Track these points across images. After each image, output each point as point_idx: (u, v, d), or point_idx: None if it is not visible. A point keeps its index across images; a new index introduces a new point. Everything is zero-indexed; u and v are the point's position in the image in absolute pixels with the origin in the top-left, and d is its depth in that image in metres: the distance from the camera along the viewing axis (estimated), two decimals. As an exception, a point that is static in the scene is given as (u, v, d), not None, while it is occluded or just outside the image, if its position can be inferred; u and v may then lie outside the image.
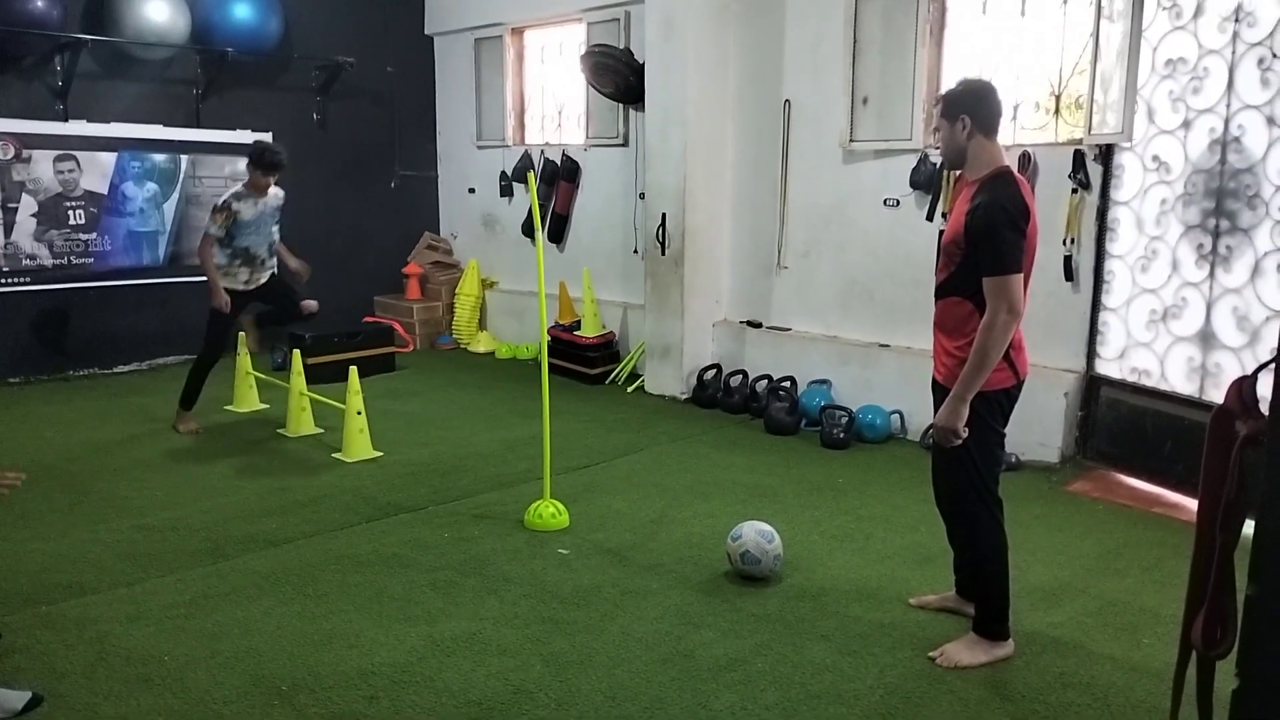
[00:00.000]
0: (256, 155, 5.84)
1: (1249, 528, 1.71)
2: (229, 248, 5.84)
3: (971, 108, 3.10)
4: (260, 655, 3.31)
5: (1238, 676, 1.65)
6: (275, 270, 6.13)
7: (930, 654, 3.32)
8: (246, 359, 6.66)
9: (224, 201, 5.82)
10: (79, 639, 3.40)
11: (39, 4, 6.88)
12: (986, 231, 2.98)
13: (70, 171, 7.45)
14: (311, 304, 6.13)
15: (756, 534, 3.91)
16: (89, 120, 7.50)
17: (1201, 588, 1.97)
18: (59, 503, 4.79)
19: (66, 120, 7.40)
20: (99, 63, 7.53)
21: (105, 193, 7.62)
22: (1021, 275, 3.03)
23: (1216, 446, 1.93)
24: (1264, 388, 1.90)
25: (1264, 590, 1.61)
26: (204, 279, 8.03)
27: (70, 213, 7.48)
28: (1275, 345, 4.38)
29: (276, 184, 6.00)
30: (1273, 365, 1.80)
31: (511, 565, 4.08)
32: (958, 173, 3.32)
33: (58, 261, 7.46)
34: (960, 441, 3.11)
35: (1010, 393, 3.22)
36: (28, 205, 7.27)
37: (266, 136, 8.38)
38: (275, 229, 6.05)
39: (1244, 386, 1.90)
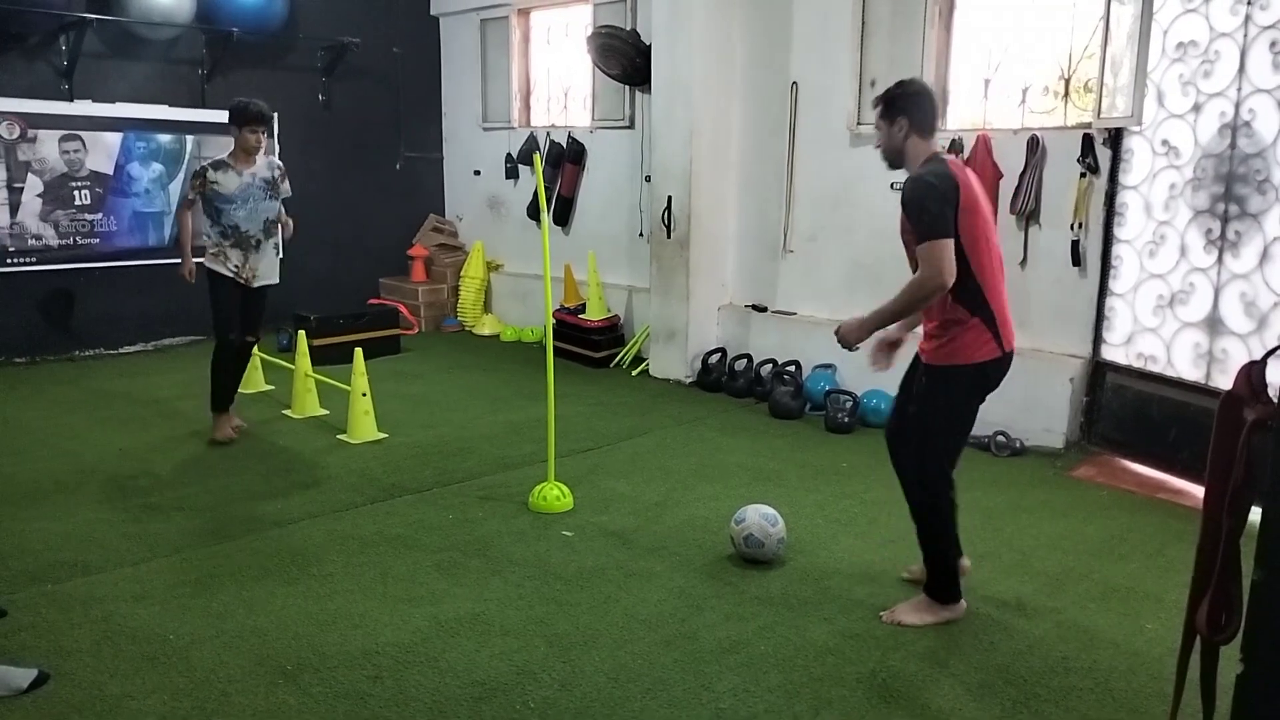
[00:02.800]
0: (232, 110, 5.27)
1: (1256, 513, 1.71)
2: (218, 224, 5.29)
3: (909, 109, 3.23)
4: (265, 635, 3.32)
5: (1242, 662, 1.65)
6: (275, 278, 5.55)
7: (880, 614, 3.44)
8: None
9: (200, 168, 5.30)
10: (85, 617, 3.42)
11: (44, -17, 6.87)
12: (911, 203, 3.12)
13: (76, 151, 7.44)
14: (252, 339, 5.59)
15: (760, 517, 3.91)
16: (94, 100, 7.49)
17: (1207, 573, 1.96)
18: (65, 482, 4.80)
19: (72, 100, 7.39)
20: (104, 42, 7.51)
21: (111, 173, 7.61)
22: (950, 240, 3.07)
23: (1225, 431, 1.92)
24: (1273, 373, 1.89)
25: (1270, 575, 1.61)
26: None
27: (76, 193, 7.48)
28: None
29: (270, 154, 5.51)
30: (1282, 350, 1.80)
31: (516, 547, 4.09)
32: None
33: (63, 242, 7.46)
34: (854, 350, 3.40)
35: (987, 370, 3.26)
36: (33, 185, 7.27)
37: (272, 118, 8.36)
38: (272, 204, 5.40)
39: (1253, 372, 1.89)
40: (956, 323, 3.22)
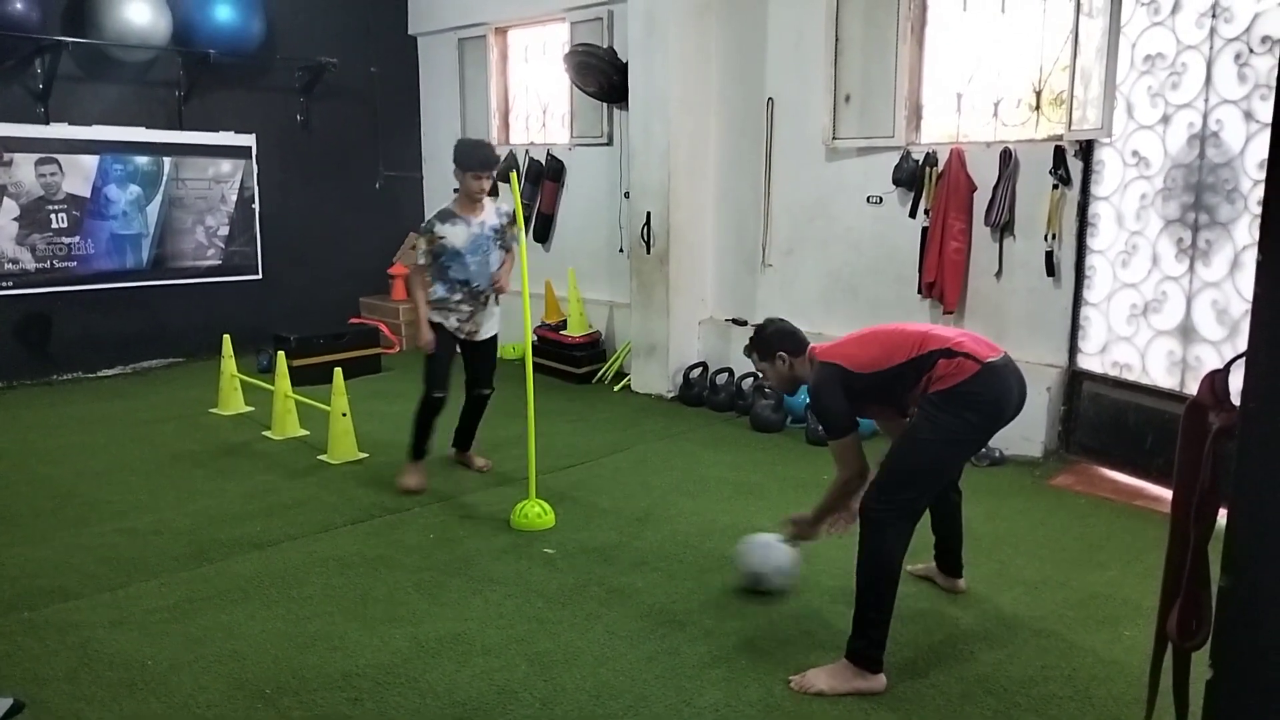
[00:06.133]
0: (461, 154, 4.69)
1: (1222, 520, 1.73)
2: (445, 280, 4.80)
3: (783, 344, 3.48)
4: (244, 659, 3.30)
5: (1211, 668, 1.66)
6: (497, 329, 5.07)
7: (790, 678, 3.16)
8: (231, 362, 6.63)
9: (426, 223, 4.79)
10: (61, 644, 3.39)
11: (18, 6, 6.84)
12: (815, 414, 3.43)
13: (52, 175, 7.41)
14: (487, 391, 5.13)
15: (759, 555, 3.81)
16: (70, 123, 7.47)
17: (1176, 580, 1.98)
18: (42, 507, 4.76)
19: (48, 123, 7.36)
20: (80, 65, 7.49)
21: (88, 196, 7.59)
22: (850, 436, 3.29)
23: (1190, 440, 1.94)
24: (1236, 381, 1.91)
25: (1237, 582, 1.62)
26: (191, 281, 8.17)
27: (52, 216, 7.44)
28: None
29: (493, 194, 4.96)
30: (1244, 359, 1.82)
31: (496, 565, 4.08)
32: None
33: (40, 265, 7.42)
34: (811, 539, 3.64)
35: (970, 388, 3.11)
36: (9, 209, 7.23)
37: (250, 138, 8.38)
38: (499, 253, 4.88)
39: (1216, 380, 1.91)
40: (931, 380, 3.17)
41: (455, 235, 4.73)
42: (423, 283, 4.84)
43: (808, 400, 3.42)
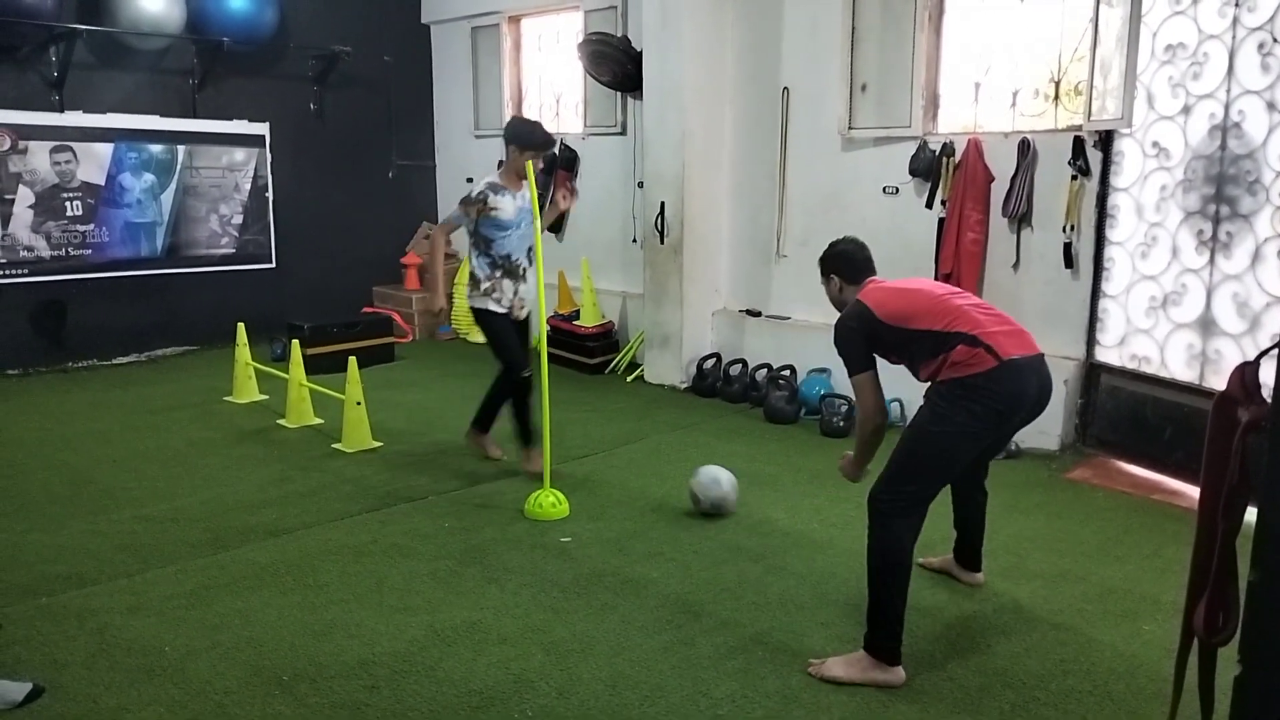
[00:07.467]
0: (523, 134, 4.82)
1: (1251, 514, 1.71)
2: (488, 255, 4.85)
3: (837, 267, 3.55)
4: (261, 645, 3.31)
5: (1239, 663, 1.65)
6: (533, 306, 5.02)
7: (809, 661, 3.19)
8: (245, 350, 6.64)
9: (478, 193, 4.78)
10: (79, 630, 3.40)
11: (33, -6, 6.86)
12: (836, 345, 3.39)
13: (67, 163, 7.43)
14: (527, 373, 5.01)
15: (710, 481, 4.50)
16: (85, 111, 7.48)
17: (1203, 574, 1.96)
18: (58, 494, 4.78)
19: (62, 111, 7.38)
20: (94, 53, 7.50)
21: (102, 184, 7.60)
22: (865, 374, 3.26)
23: (1219, 433, 1.92)
24: (1266, 374, 1.89)
25: (1266, 577, 1.61)
26: (205, 269, 8.18)
27: (67, 204, 7.46)
28: (1277, 331, 4.37)
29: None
30: (1275, 351, 1.80)
31: (512, 554, 4.08)
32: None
33: (55, 253, 7.45)
34: (856, 480, 3.56)
35: (982, 382, 3.06)
36: (24, 197, 7.26)
37: (264, 127, 8.38)
38: (531, 231, 4.88)
39: (1246, 373, 1.89)
40: (946, 364, 3.13)
41: (505, 207, 4.80)
42: (443, 240, 5.02)
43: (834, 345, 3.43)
